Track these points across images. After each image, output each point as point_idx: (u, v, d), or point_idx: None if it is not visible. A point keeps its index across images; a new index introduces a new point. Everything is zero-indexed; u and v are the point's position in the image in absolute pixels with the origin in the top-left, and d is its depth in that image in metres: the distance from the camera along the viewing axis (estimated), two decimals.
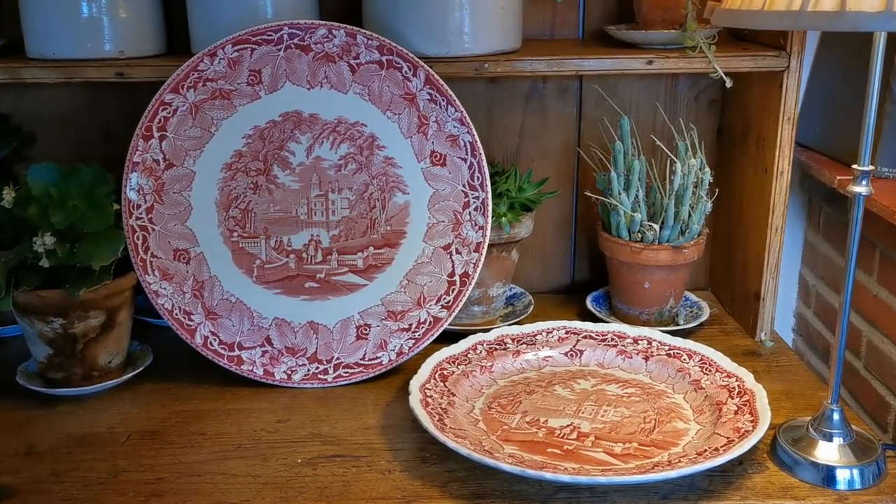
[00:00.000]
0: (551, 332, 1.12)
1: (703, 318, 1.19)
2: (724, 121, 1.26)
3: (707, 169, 1.12)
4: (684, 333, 1.15)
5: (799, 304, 1.38)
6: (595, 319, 1.19)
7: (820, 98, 1.25)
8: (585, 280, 1.35)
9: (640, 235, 1.14)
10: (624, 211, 1.13)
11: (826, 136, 1.24)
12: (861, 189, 0.80)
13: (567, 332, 1.11)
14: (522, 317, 1.19)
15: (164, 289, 1.04)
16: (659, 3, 1.10)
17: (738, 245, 1.21)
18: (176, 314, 1.04)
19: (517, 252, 1.18)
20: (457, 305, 1.06)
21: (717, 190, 1.14)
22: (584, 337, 1.11)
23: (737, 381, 0.97)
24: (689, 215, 1.13)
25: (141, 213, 1.03)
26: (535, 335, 1.11)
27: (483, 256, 1.06)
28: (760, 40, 1.11)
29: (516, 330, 1.11)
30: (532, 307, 1.22)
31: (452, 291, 1.06)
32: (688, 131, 1.13)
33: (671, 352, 1.06)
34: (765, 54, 1.05)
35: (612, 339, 1.10)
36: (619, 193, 1.13)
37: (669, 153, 1.12)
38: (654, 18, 1.11)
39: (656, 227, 1.13)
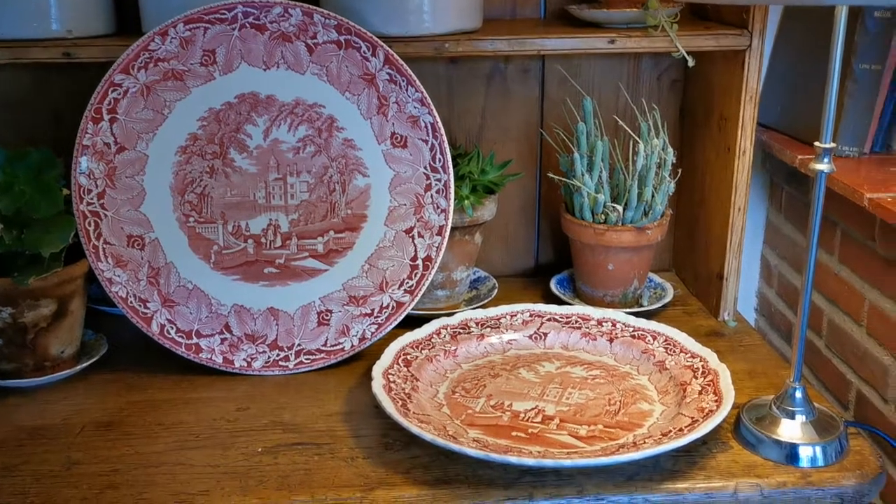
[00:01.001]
0: (515, 316, 1.11)
1: (667, 300, 1.19)
2: (686, 101, 1.26)
3: (670, 149, 1.12)
4: (648, 315, 1.15)
5: (761, 284, 1.39)
6: (559, 302, 1.18)
7: (781, 77, 1.25)
8: (549, 263, 1.34)
9: (603, 217, 1.13)
10: (587, 192, 1.12)
11: (787, 115, 1.24)
12: (823, 166, 0.80)
13: (531, 316, 1.11)
14: (486, 301, 1.18)
15: (118, 276, 1.01)
16: None
17: (701, 226, 1.21)
18: (131, 302, 1.01)
19: (480, 235, 1.17)
20: (420, 290, 1.04)
21: (679, 171, 1.14)
22: (549, 320, 1.10)
23: (701, 361, 0.97)
24: (653, 196, 1.12)
25: (92, 199, 1.00)
26: (500, 318, 1.10)
27: (446, 240, 1.04)
28: (722, 19, 1.11)
29: (480, 314, 1.10)
30: (496, 291, 1.21)
31: (415, 276, 1.05)
32: (650, 111, 1.13)
33: (635, 333, 1.05)
34: (727, 33, 1.05)
35: (577, 322, 1.09)
36: (583, 175, 1.12)
37: (632, 134, 1.12)
38: None
39: (619, 208, 1.12)
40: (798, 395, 0.85)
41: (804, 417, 0.85)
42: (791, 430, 0.85)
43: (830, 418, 0.87)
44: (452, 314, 1.09)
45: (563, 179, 1.16)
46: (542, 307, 1.11)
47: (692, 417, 0.86)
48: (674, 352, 1.00)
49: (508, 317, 1.10)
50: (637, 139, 1.11)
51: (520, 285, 1.29)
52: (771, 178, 1.33)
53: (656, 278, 1.25)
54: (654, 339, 1.04)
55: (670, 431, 0.84)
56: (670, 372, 0.98)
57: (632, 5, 1.08)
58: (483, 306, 1.15)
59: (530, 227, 1.32)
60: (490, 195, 1.15)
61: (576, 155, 1.13)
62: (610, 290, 1.17)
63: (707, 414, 0.85)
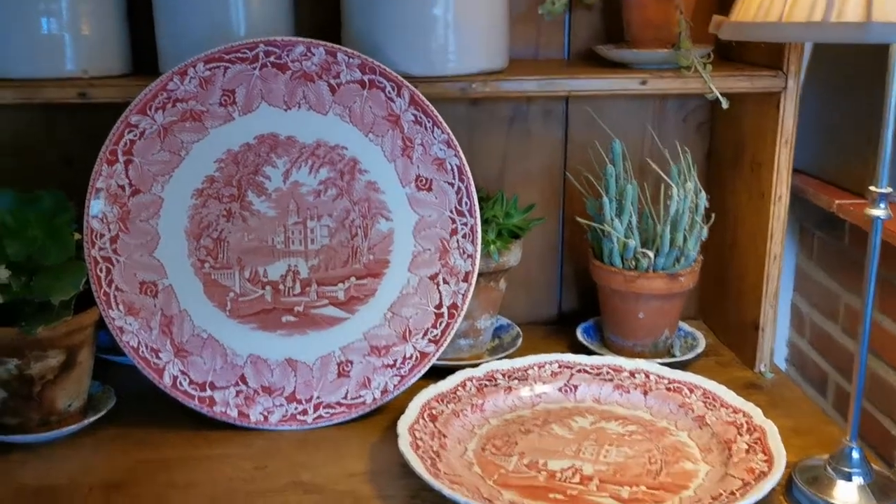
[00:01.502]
0: (543, 367, 1.06)
1: (700, 350, 1.14)
2: (714, 143, 1.22)
3: (703, 193, 1.08)
4: (681, 366, 1.10)
5: (792, 332, 1.34)
6: (587, 352, 1.13)
7: (811, 120, 1.22)
8: (573, 310, 1.29)
9: (633, 263, 1.09)
10: (617, 237, 1.08)
11: (819, 159, 1.20)
12: (879, 212, 0.76)
13: (560, 367, 1.06)
14: (511, 350, 1.13)
15: (130, 324, 0.96)
16: (650, 21, 1.06)
17: (733, 273, 1.17)
18: (142, 352, 0.96)
19: (505, 282, 1.12)
20: (445, 339, 1.00)
21: (713, 215, 1.10)
22: (578, 371, 1.05)
23: (744, 417, 0.92)
24: (685, 241, 1.08)
25: (104, 243, 0.95)
26: (527, 370, 1.05)
27: (472, 287, 1.00)
28: (752, 60, 1.08)
29: (506, 364, 1.05)
30: (521, 340, 1.16)
31: (440, 324, 1.00)
32: (682, 154, 1.09)
33: (671, 385, 1.00)
34: (761, 74, 1.02)
35: (608, 373, 1.04)
36: (612, 219, 1.08)
37: (665, 178, 1.08)
38: (646, 37, 1.07)
39: (651, 254, 1.08)
40: (855, 455, 0.80)
41: (861, 479, 0.80)
42: (848, 493, 0.79)
43: (889, 480, 0.81)
44: (477, 365, 1.05)
45: (592, 224, 1.12)
46: (570, 357, 1.07)
47: (742, 479, 0.81)
48: (714, 406, 0.95)
49: (536, 368, 1.05)
50: (670, 183, 1.07)
51: (543, 333, 1.24)
52: (800, 223, 1.30)
53: (686, 327, 1.20)
54: (692, 392, 0.99)
55: (721, 495, 0.79)
56: (712, 428, 0.93)
57: (661, 46, 1.05)
58: (508, 356, 1.11)
59: (553, 273, 1.28)
60: (515, 240, 1.11)
61: (605, 199, 1.09)
62: (640, 340, 1.12)
63: (759, 476, 0.80)
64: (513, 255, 1.10)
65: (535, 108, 1.21)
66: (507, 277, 1.13)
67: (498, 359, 1.09)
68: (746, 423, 0.91)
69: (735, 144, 1.14)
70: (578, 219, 1.15)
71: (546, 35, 1.19)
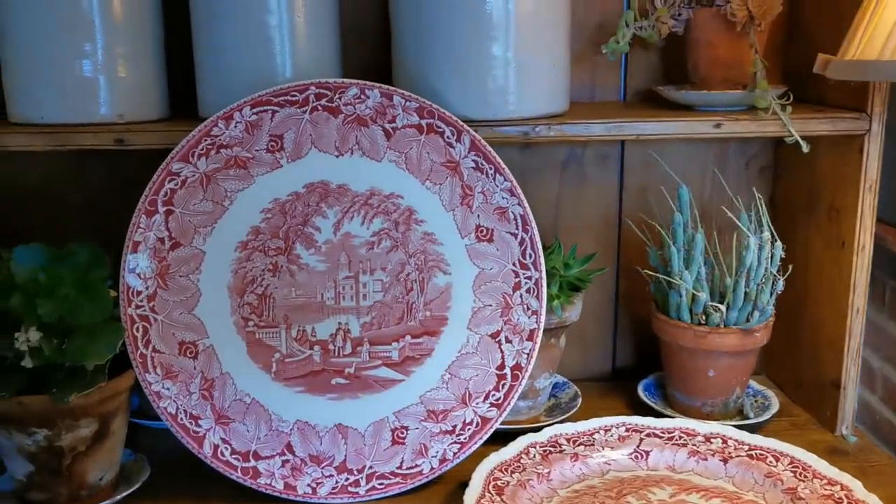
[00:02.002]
0: (610, 430, 0.98)
1: (774, 410, 1.06)
2: (779, 189, 1.16)
3: (778, 243, 1.01)
4: (754, 428, 1.02)
5: (862, 390, 1.26)
6: (650, 411, 1.06)
7: (888, 164, 1.15)
8: (629, 365, 1.22)
9: (703, 317, 1.02)
10: (686, 290, 1.01)
11: (892, 204, 1.13)
12: None
13: (628, 430, 0.98)
14: (571, 412, 1.05)
15: (168, 389, 0.89)
16: (720, 60, 1.00)
17: (807, 326, 1.09)
18: (181, 419, 0.89)
19: (565, 338, 1.05)
20: (508, 403, 0.92)
21: (790, 266, 1.03)
22: (648, 435, 0.97)
23: (843, 490, 0.84)
24: (759, 294, 1.01)
25: (142, 301, 0.88)
26: (593, 434, 0.97)
27: (538, 346, 0.92)
28: (830, 100, 1.01)
29: (570, 429, 0.97)
30: (580, 400, 1.08)
31: (503, 387, 0.92)
32: (757, 200, 1.02)
33: (753, 452, 0.92)
34: (844, 116, 0.95)
35: (681, 437, 0.96)
36: (681, 270, 1.01)
37: (741, 225, 1.00)
38: (714, 77, 1.00)
39: (722, 308, 1.00)
40: None
41: None
42: None
43: None
44: (539, 429, 0.97)
45: (657, 275, 1.04)
46: (638, 420, 0.99)
47: None
48: (806, 477, 0.87)
49: (602, 432, 0.97)
50: (746, 232, 1.00)
51: (599, 391, 1.16)
52: (871, 271, 1.22)
53: (754, 384, 1.12)
54: (777, 460, 0.91)
55: None
56: (806, 502, 0.84)
57: (731, 86, 0.99)
58: (569, 418, 1.03)
59: (608, 327, 1.21)
60: (576, 293, 1.03)
61: (672, 249, 1.02)
62: (709, 399, 1.04)
63: None
64: (575, 310, 1.02)
65: (590, 152, 1.15)
66: (567, 333, 1.05)
67: (558, 421, 1.01)
68: (846, 497, 0.83)
69: (808, 190, 1.07)
70: (642, 270, 1.07)
71: (602, 75, 1.13)
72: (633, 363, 1.22)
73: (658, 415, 1.04)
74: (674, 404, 1.08)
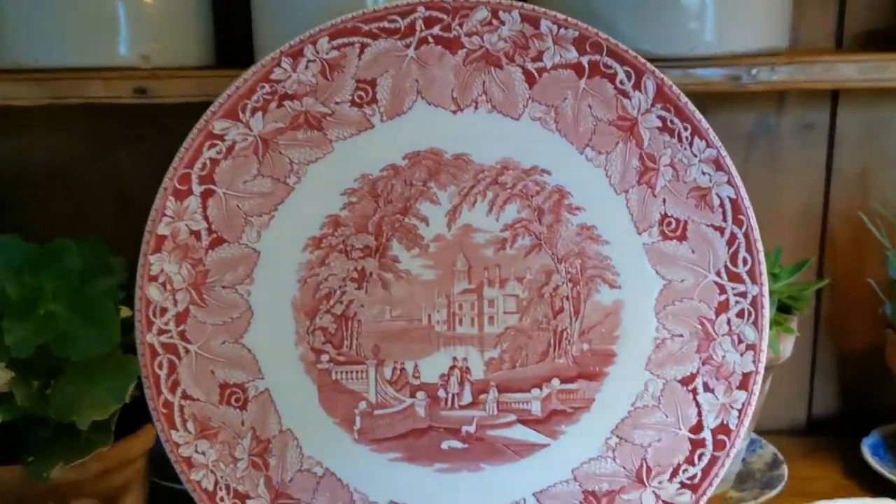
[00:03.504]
0: None
1: None
2: None
3: None
4: None
5: None
6: (889, 484, 0.74)
7: None
8: (828, 416, 0.90)
9: None
10: None
11: None
12: None
13: None
14: (777, 489, 0.73)
15: (204, 454, 0.60)
16: None
17: None
18: (221, 497, 0.60)
19: (770, 382, 0.74)
20: (709, 484, 0.61)
21: None
22: None
23: None
24: None
25: (167, 323, 0.60)
26: None
27: (755, 397, 0.61)
28: None
29: None
30: (784, 469, 0.77)
31: (700, 458, 0.61)
32: None
33: None
34: None
35: None
36: None
37: None
38: None
39: None
40: None
41: None
42: None
43: None
44: None
45: None
46: None
47: None
48: None
49: None
50: None
51: (796, 450, 0.84)
52: None
53: None
54: None
55: None
56: None
57: None
58: (777, 500, 0.71)
59: (803, 363, 0.88)
60: (790, 316, 0.72)
61: None
62: None
63: None
64: (790, 343, 0.71)
65: (787, 121, 0.83)
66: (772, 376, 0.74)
67: (763, 502, 0.70)
68: None
69: None
70: (870, 281, 0.76)
71: (809, 18, 0.81)
72: (837, 412, 0.90)
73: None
74: None
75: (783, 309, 0.73)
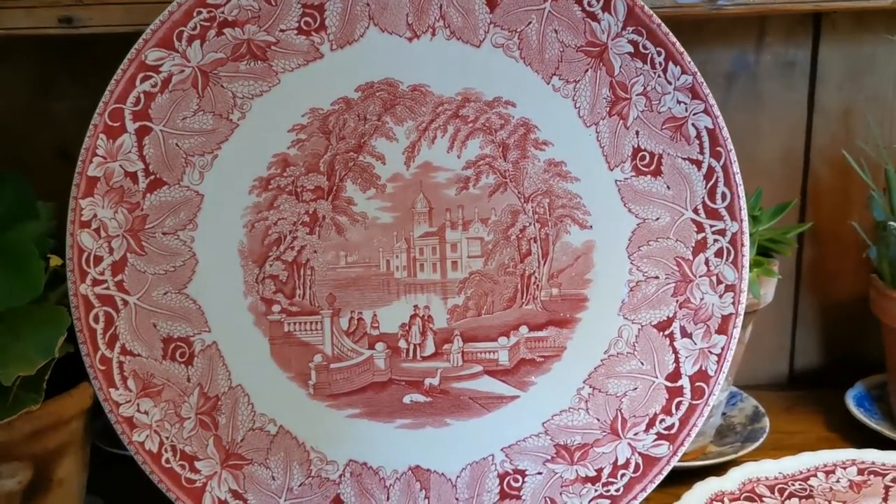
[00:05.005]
0: (832, 473, 0.64)
1: None
2: None
3: None
4: None
5: None
6: (874, 435, 0.71)
7: None
8: (814, 368, 0.87)
9: None
10: None
11: None
12: None
13: (862, 471, 0.63)
14: (758, 441, 0.70)
15: (147, 413, 0.56)
16: None
17: None
18: (167, 460, 0.56)
19: (750, 331, 0.70)
20: (687, 434, 0.57)
21: None
22: (894, 479, 0.62)
23: None
24: None
25: (103, 273, 0.55)
26: (807, 479, 0.63)
27: (734, 341, 0.57)
28: None
29: (770, 470, 0.63)
30: (766, 421, 0.73)
31: (678, 407, 0.58)
32: None
33: None
34: None
35: None
36: None
37: None
38: None
39: None
40: None
41: None
42: None
43: None
44: (720, 469, 0.63)
45: (889, 232, 0.69)
46: (872, 455, 0.65)
47: None
48: None
49: (822, 475, 0.63)
50: None
51: (777, 404, 0.81)
52: None
53: None
54: None
55: None
56: None
57: None
58: (759, 451, 0.68)
59: (784, 313, 0.85)
60: (771, 259, 0.68)
61: None
62: None
63: None
64: (771, 287, 0.68)
65: (767, 59, 0.79)
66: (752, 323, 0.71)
67: (741, 456, 0.67)
68: None
69: None
70: (857, 226, 0.72)
71: None
72: (820, 364, 0.87)
73: (886, 441, 0.69)
74: None
75: (764, 254, 0.69)
